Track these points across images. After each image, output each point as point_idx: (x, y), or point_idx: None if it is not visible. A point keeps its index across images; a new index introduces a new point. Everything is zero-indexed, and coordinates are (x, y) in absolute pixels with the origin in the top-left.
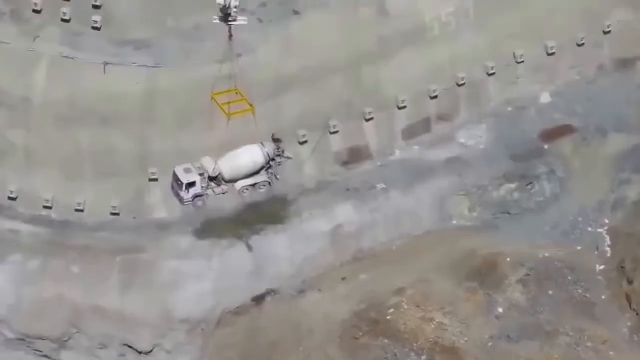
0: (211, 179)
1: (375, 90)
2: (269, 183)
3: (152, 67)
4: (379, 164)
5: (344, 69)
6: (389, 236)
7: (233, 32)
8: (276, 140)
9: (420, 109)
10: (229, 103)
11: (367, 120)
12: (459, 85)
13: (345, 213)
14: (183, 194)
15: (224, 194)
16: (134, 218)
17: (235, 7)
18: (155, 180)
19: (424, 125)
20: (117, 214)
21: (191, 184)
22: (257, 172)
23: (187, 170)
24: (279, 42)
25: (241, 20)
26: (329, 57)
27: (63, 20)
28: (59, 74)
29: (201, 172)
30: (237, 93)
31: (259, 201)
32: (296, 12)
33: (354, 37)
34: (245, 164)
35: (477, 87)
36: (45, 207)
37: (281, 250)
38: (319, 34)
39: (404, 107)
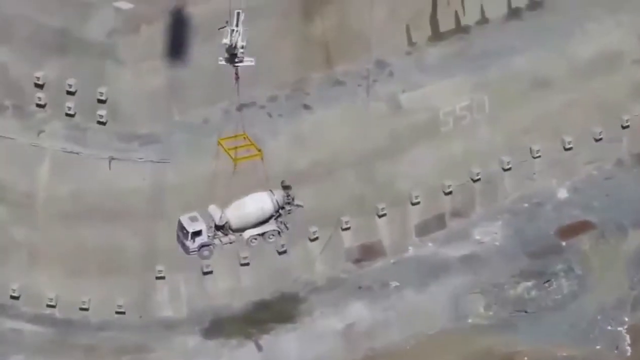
0: (218, 227)
1: (388, 186)
2: (279, 232)
3: (159, 162)
4: (392, 261)
5: (356, 164)
6: (402, 335)
7: (240, 74)
8: (285, 188)
9: (434, 204)
10: (235, 148)
11: (380, 216)
12: (474, 181)
13: (358, 311)
14: (189, 243)
15: (231, 243)
16: (140, 317)
17: (242, 47)
18: (162, 278)
19: (438, 222)
20: (123, 313)
21: (197, 233)
22: (265, 221)
23: (193, 219)
24: (289, 136)
25: (248, 61)
26: (341, 152)
27: (67, 115)
28: (63, 169)
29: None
30: (244, 138)
31: (268, 299)
32: (306, 107)
33: (366, 131)
34: (253, 212)
35: (492, 183)
36: (49, 306)
37: (292, 350)
38: (329, 128)
39: (418, 203)
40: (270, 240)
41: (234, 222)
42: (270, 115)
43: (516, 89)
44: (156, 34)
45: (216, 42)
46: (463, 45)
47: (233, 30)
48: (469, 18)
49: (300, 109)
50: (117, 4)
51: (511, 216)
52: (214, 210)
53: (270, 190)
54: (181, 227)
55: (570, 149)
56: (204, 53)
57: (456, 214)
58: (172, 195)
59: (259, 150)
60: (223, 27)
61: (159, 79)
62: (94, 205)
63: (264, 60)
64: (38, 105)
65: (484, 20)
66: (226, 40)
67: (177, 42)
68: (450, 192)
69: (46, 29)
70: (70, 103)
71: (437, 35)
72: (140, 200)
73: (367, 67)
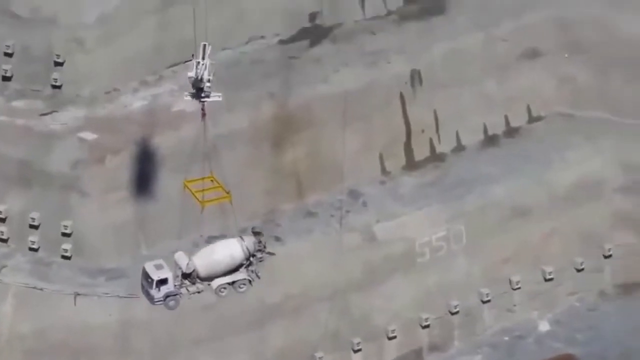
0: (185, 276)
1: (364, 320)
2: (249, 281)
3: (126, 297)
4: None
5: (330, 298)
6: None
7: (206, 110)
8: (256, 234)
9: (411, 338)
10: (202, 190)
11: (355, 352)
12: (452, 314)
13: None
14: (154, 292)
15: (199, 292)
16: None
17: (209, 81)
18: None
19: (416, 356)
20: None
21: (163, 281)
22: (235, 269)
23: (159, 266)
24: (260, 270)
25: (215, 96)
26: (314, 285)
27: (31, 249)
28: (26, 305)
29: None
30: (212, 180)
31: None
32: (278, 239)
33: (339, 263)
34: (223, 260)
35: (471, 315)
36: None
37: None
38: (302, 261)
39: (394, 337)
40: (241, 289)
41: (202, 270)
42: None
43: (494, 218)
44: (122, 164)
45: (182, 174)
46: (439, 174)
47: (199, 62)
48: (445, 146)
49: (271, 241)
50: (81, 135)
51: (491, 350)
52: (180, 257)
53: (241, 237)
54: (146, 275)
55: (551, 279)
56: (171, 184)
57: (434, 348)
58: (140, 332)
59: (227, 193)
60: (189, 61)
61: (126, 211)
62: (58, 343)
63: (234, 191)
64: (0, 240)
65: (460, 148)
66: (192, 74)
67: (143, 174)
68: (427, 326)
69: (8, 161)
70: (33, 237)
71: (411, 164)
72: (107, 337)
73: (340, 197)
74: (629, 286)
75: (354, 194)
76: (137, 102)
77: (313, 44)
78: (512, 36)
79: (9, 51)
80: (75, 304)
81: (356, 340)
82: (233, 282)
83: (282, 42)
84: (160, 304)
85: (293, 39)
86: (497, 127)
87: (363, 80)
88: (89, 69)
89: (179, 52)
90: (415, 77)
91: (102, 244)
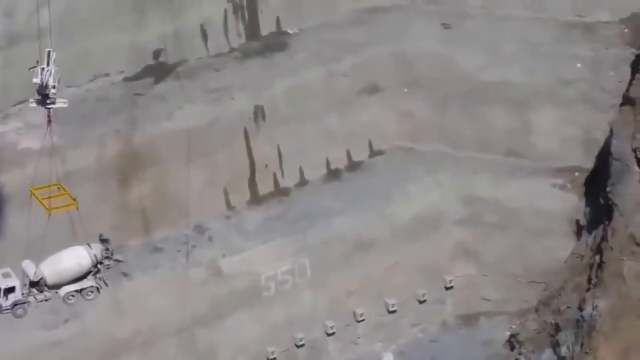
0: (32, 284)
1: (210, 354)
2: (97, 289)
3: None
4: None
5: (177, 332)
6: None
7: (52, 117)
8: (104, 241)
9: None
10: (49, 197)
11: None
12: (298, 346)
13: None
14: (1, 301)
15: (46, 300)
16: None
17: (54, 87)
18: None
19: None
20: None
21: (10, 290)
22: (83, 277)
23: (5, 275)
24: (108, 305)
25: (60, 103)
26: (161, 321)
27: None
28: None
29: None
30: (58, 188)
31: None
32: (125, 275)
33: (186, 298)
34: (70, 267)
35: (316, 348)
36: None
37: None
38: (149, 296)
39: None
40: (89, 297)
41: (50, 278)
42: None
43: (338, 251)
44: None
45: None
46: (283, 208)
47: (43, 68)
48: (288, 180)
49: (119, 277)
50: None
51: None
52: (28, 265)
53: (88, 244)
54: None
55: (394, 311)
56: (17, 220)
57: None
58: None
59: (74, 200)
60: (34, 67)
61: None
62: None
63: (81, 228)
64: None
65: (303, 182)
66: (37, 80)
67: None
68: (274, 359)
69: None
70: None
71: (256, 199)
72: None
73: (186, 232)
74: (469, 316)
75: (199, 229)
76: None
77: (157, 81)
78: (352, 71)
79: None
80: None
81: None
82: (81, 290)
83: (126, 79)
84: (8, 313)
85: (137, 76)
86: (339, 162)
87: (207, 116)
88: None
89: (24, 91)
90: (259, 113)
91: None
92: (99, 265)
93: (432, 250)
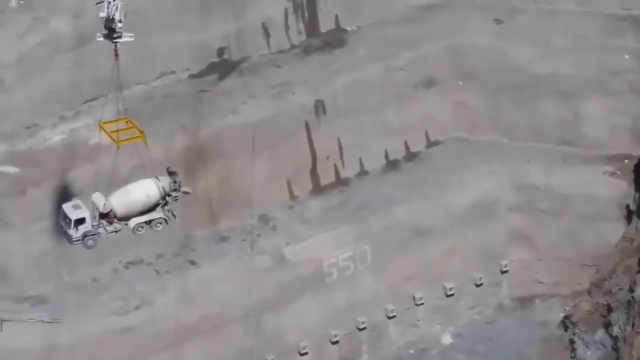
0: (102, 216)
1: (276, 338)
2: (166, 220)
3: (50, 322)
4: None
5: (244, 318)
6: None
7: (119, 51)
8: (171, 174)
9: (322, 354)
10: (117, 131)
11: None
12: (360, 330)
13: None
14: (72, 232)
15: (116, 232)
16: None
17: (120, 21)
18: None
19: None
20: None
21: (80, 221)
22: (152, 209)
23: (76, 207)
24: (176, 292)
25: (127, 37)
26: (228, 306)
27: None
28: None
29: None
30: (126, 122)
31: None
32: (193, 263)
33: (252, 285)
34: (139, 199)
35: (377, 331)
36: None
37: None
38: (216, 283)
39: (306, 353)
40: (157, 228)
41: (119, 210)
42: (157, 272)
43: (397, 238)
44: (43, 196)
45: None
46: (344, 198)
47: (110, 2)
48: (349, 171)
49: (187, 265)
50: (3, 169)
51: None
52: (97, 197)
53: (156, 177)
54: (64, 216)
55: (452, 295)
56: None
57: None
58: (64, 355)
59: (141, 132)
60: (101, 2)
61: (47, 240)
62: None
63: None
64: None
65: (363, 173)
66: (103, 14)
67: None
68: (337, 342)
69: None
70: None
71: (318, 189)
72: None
73: (251, 222)
74: (524, 299)
75: (264, 219)
76: (56, 137)
77: (222, 77)
78: (409, 66)
79: None
80: (1, 330)
81: (270, 357)
82: (150, 221)
83: (192, 76)
84: (79, 244)
85: (202, 73)
86: (397, 153)
87: (270, 111)
88: (9, 106)
89: (95, 88)
90: (319, 107)
91: (25, 272)
92: (167, 198)
93: (488, 235)
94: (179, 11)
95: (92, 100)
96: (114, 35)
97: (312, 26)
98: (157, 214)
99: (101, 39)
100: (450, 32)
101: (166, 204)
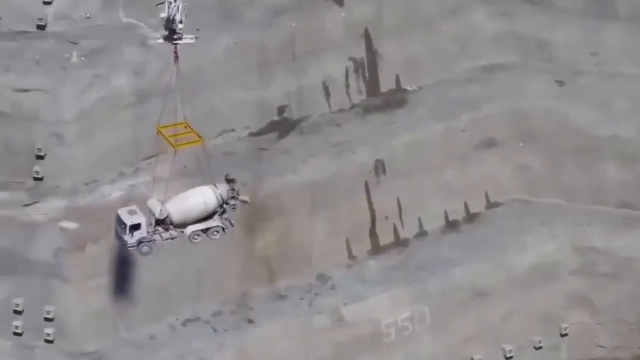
0: (158, 222)
1: None
2: (223, 229)
3: None
4: None
5: None
6: None
7: (179, 53)
8: (230, 181)
9: None
10: (175, 135)
11: None
12: None
13: None
14: (127, 237)
15: (172, 239)
16: None
17: (181, 22)
18: None
19: None
20: None
21: (135, 227)
22: (209, 217)
23: (132, 212)
24: (234, 351)
25: (187, 38)
26: None
27: (15, 334)
28: None
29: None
30: (185, 127)
31: None
32: (250, 321)
33: (309, 344)
34: (196, 206)
35: None
36: None
37: None
38: (274, 341)
39: None
40: (214, 237)
41: (175, 217)
42: (215, 330)
43: (456, 299)
44: (101, 252)
45: (158, 261)
46: (402, 258)
47: (171, 2)
48: (408, 231)
49: (244, 323)
50: (62, 224)
51: None
52: (153, 204)
53: (214, 184)
54: (119, 221)
55: (511, 357)
56: (149, 269)
57: None
58: None
59: (200, 137)
60: (161, 3)
61: (105, 296)
62: None
63: (207, 276)
64: None
65: (422, 233)
66: (164, 14)
67: (122, 260)
68: None
69: None
70: (17, 322)
71: (377, 249)
72: None
73: (309, 281)
74: None
75: (322, 278)
76: (115, 193)
77: (282, 135)
78: (470, 127)
79: None
80: None
81: None
82: (206, 230)
83: (252, 134)
84: (134, 250)
85: (262, 132)
86: (457, 213)
87: (330, 169)
88: (69, 162)
89: (154, 146)
90: (379, 167)
91: (83, 328)
92: (224, 206)
93: (548, 298)
94: (240, 69)
95: (151, 157)
96: (175, 37)
97: (372, 85)
98: (214, 222)
99: (160, 40)
100: (511, 93)
101: (224, 212)
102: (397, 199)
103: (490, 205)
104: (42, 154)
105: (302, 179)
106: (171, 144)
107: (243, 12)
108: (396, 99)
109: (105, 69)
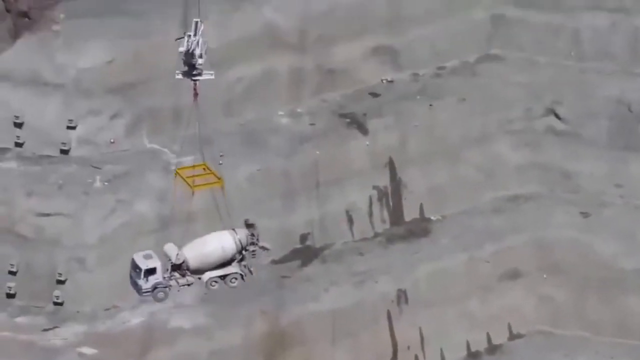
0: (174, 267)
1: None
2: (242, 276)
3: None
4: None
5: None
6: None
7: (198, 90)
8: (249, 226)
9: None
10: (194, 176)
11: None
12: None
13: None
14: (141, 282)
15: (188, 285)
16: None
17: (201, 57)
18: None
19: None
20: None
21: (151, 271)
22: (228, 263)
23: (147, 256)
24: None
25: (207, 74)
26: None
27: None
28: None
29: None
30: (204, 168)
31: None
32: None
33: None
34: (214, 252)
35: None
36: None
37: None
38: None
39: None
40: (232, 284)
41: (193, 262)
42: None
43: None
44: None
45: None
46: None
47: (190, 35)
48: None
49: None
50: (81, 349)
51: None
52: (170, 248)
53: (233, 229)
54: (134, 266)
55: None
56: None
57: None
58: None
59: (219, 178)
60: (180, 38)
61: None
62: None
63: None
64: None
65: None
66: (182, 48)
67: None
68: None
69: None
70: None
71: None
72: None
73: None
74: None
75: None
76: (135, 319)
77: (304, 263)
78: (494, 257)
79: (13, 269)
80: None
81: None
82: (224, 276)
83: (274, 262)
84: (148, 295)
85: (285, 259)
86: (479, 344)
87: (351, 299)
88: (90, 287)
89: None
90: (402, 296)
91: None
92: (243, 252)
93: None
94: (264, 196)
95: None
96: (194, 73)
97: (396, 214)
98: (232, 269)
99: (180, 76)
100: (536, 224)
101: (243, 258)
102: (420, 329)
103: (513, 336)
104: (62, 278)
105: (323, 307)
106: (189, 186)
107: (267, 138)
108: (420, 228)
109: (128, 194)
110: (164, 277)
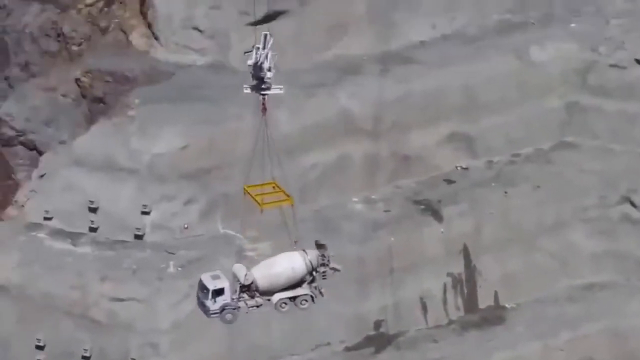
0: (243, 288)
1: None
2: (312, 298)
3: None
4: None
5: None
6: None
7: (267, 104)
8: (320, 247)
9: None
10: (263, 194)
11: None
12: None
13: None
14: (209, 303)
15: (257, 307)
16: None
17: (270, 70)
18: None
19: None
20: None
21: (219, 292)
22: (297, 284)
23: (215, 277)
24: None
25: (276, 89)
26: None
27: None
28: None
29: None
30: (273, 187)
31: None
32: None
33: None
34: (283, 273)
35: None
36: None
37: None
38: None
39: None
40: (302, 306)
41: (261, 283)
42: None
43: None
44: None
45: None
46: None
47: (259, 48)
48: None
49: None
50: None
51: None
52: (239, 269)
53: (304, 250)
54: (202, 286)
55: None
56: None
57: None
58: None
59: (288, 196)
60: (249, 51)
61: None
62: None
63: None
64: None
65: None
66: (250, 61)
67: None
68: None
69: None
70: None
71: None
72: None
73: None
74: None
75: None
76: None
77: (378, 350)
78: (568, 346)
79: (87, 354)
80: None
81: None
82: (294, 298)
83: (347, 348)
84: (216, 317)
85: (358, 346)
86: None
87: None
88: None
89: (251, 356)
90: None
91: None
92: (314, 273)
93: None
94: (338, 282)
95: None
96: (263, 87)
97: (470, 302)
98: (302, 290)
99: (248, 90)
100: (611, 312)
101: (313, 280)
102: None
103: None
104: None
105: None
106: (258, 204)
107: (341, 225)
108: (494, 316)
109: None
110: (232, 299)
